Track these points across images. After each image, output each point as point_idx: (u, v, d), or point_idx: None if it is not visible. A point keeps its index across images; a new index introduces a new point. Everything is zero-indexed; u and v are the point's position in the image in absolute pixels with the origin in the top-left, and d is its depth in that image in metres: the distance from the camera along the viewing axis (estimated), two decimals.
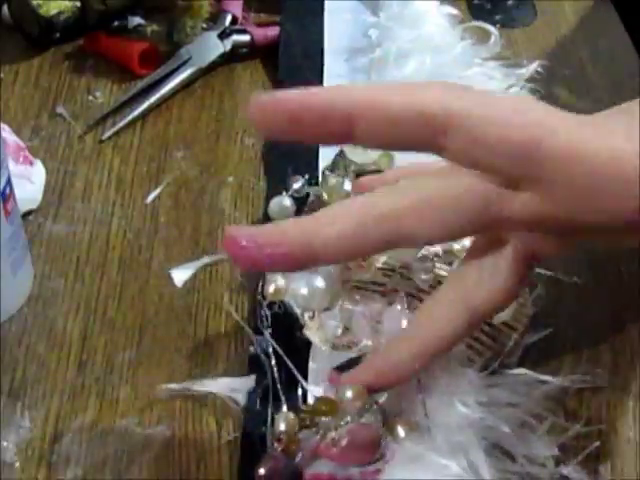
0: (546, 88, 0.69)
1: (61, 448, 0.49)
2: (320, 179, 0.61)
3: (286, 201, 0.60)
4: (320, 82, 0.70)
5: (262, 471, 0.46)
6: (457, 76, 0.68)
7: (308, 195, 0.61)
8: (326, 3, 0.77)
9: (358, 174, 0.60)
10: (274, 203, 0.60)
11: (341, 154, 0.61)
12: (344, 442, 0.46)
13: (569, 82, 0.70)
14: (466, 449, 0.47)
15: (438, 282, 0.53)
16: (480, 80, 0.68)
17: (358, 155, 0.60)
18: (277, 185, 0.62)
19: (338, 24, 0.75)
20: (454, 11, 0.73)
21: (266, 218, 0.60)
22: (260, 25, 0.76)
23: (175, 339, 0.55)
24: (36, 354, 0.54)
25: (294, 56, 0.72)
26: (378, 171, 0.59)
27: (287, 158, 0.64)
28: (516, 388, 0.50)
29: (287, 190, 0.61)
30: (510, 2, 0.77)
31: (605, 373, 0.52)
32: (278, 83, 0.71)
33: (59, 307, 0.56)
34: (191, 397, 0.51)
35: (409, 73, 0.68)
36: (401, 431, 0.47)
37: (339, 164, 0.61)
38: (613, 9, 0.78)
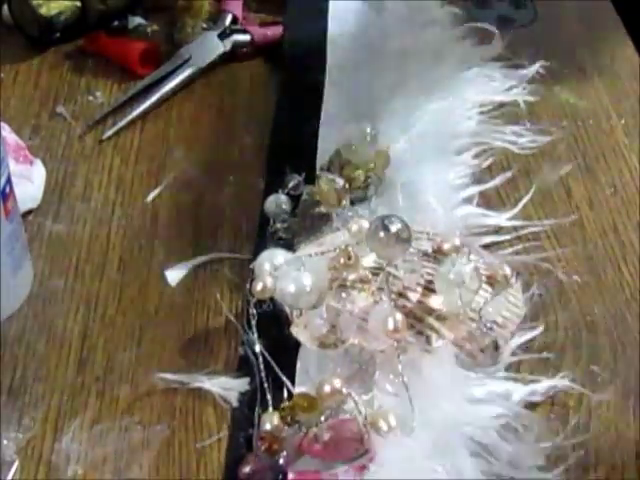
0: (546, 88, 0.69)
1: (61, 447, 0.49)
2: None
3: (282, 199, 0.60)
4: (322, 82, 0.70)
5: (245, 470, 0.46)
6: (457, 77, 0.68)
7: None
8: (330, 3, 0.76)
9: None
10: (270, 201, 0.60)
11: (337, 153, 0.61)
12: (326, 437, 0.47)
13: (569, 82, 0.70)
14: (452, 451, 0.47)
15: (426, 281, 0.53)
16: (480, 81, 0.68)
17: (354, 154, 0.60)
18: (274, 183, 0.62)
19: (342, 24, 0.75)
20: (457, 11, 0.73)
21: (262, 215, 0.60)
22: (260, 25, 0.76)
23: (175, 338, 0.55)
24: (36, 353, 0.54)
25: (297, 56, 0.72)
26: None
27: (286, 157, 0.64)
28: (504, 389, 0.50)
29: (283, 188, 0.61)
30: (510, 2, 0.77)
31: (605, 373, 0.52)
32: (281, 82, 0.71)
33: (59, 306, 0.56)
34: (191, 396, 0.51)
35: (410, 73, 0.68)
36: (384, 425, 0.47)
37: (335, 163, 0.61)
38: (613, 9, 0.78)
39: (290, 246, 0.57)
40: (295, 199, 0.60)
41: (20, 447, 0.49)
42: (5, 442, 0.49)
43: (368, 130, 0.60)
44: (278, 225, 0.59)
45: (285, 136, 0.66)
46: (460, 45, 0.71)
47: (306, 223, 0.59)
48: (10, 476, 0.48)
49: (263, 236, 0.59)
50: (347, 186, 0.59)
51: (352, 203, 0.60)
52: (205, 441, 0.49)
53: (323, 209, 0.59)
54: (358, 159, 0.60)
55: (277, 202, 0.60)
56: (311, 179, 0.61)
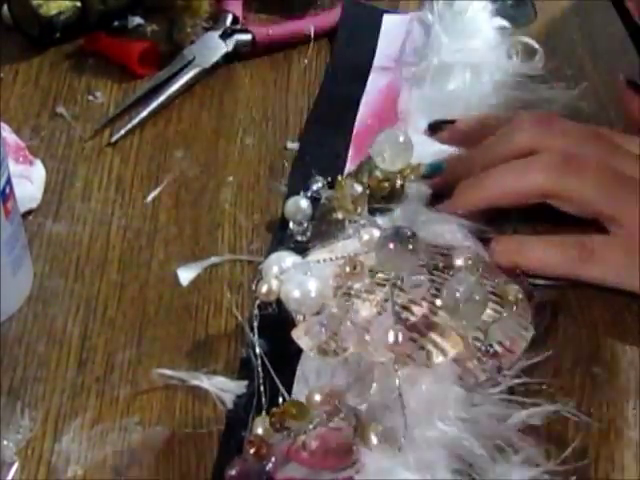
0: (548, 87, 0.69)
1: (61, 447, 0.49)
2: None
3: (302, 202, 0.60)
4: (361, 90, 0.70)
5: (231, 473, 0.46)
6: (496, 102, 0.68)
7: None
8: (385, 17, 0.77)
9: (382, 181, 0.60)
10: (290, 203, 0.60)
11: (368, 159, 0.61)
12: (314, 446, 0.46)
13: (569, 82, 0.70)
14: (433, 467, 0.46)
15: (432, 296, 0.52)
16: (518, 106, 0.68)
17: (384, 162, 0.60)
18: (297, 185, 0.62)
19: (392, 37, 0.75)
20: (505, 24, 0.72)
21: (282, 217, 0.60)
22: (261, 24, 0.76)
23: (175, 338, 0.55)
24: (36, 353, 0.54)
25: (342, 66, 0.73)
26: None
27: (315, 160, 0.64)
28: (500, 410, 0.49)
29: (306, 191, 0.61)
30: (510, 2, 0.77)
31: (605, 373, 0.52)
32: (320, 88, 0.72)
33: (59, 307, 0.56)
34: (191, 396, 0.51)
35: (447, 92, 0.68)
36: (374, 438, 0.47)
37: (364, 169, 0.61)
38: (613, 9, 0.78)
39: (306, 250, 0.56)
40: (317, 202, 0.60)
41: (20, 448, 0.49)
42: (5, 442, 0.49)
43: (401, 139, 0.60)
44: (296, 228, 0.59)
45: (316, 139, 0.67)
46: (501, 60, 0.70)
47: (322, 228, 0.59)
48: (10, 476, 0.48)
49: (282, 238, 0.59)
50: (368, 194, 0.59)
51: (374, 213, 0.59)
52: (206, 442, 0.49)
53: (340, 215, 0.59)
54: (388, 168, 0.60)
55: (297, 205, 0.60)
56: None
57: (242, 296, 0.57)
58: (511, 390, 0.50)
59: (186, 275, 0.58)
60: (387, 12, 0.77)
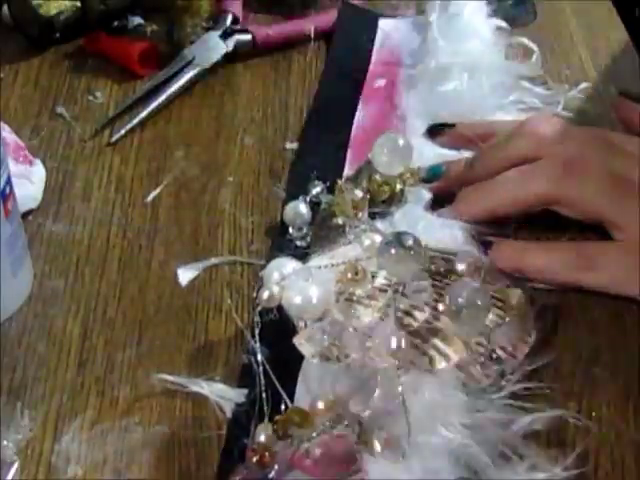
0: (546, 89, 0.69)
1: (61, 448, 0.49)
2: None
3: (301, 207, 0.59)
4: (358, 93, 0.70)
5: None
6: (495, 104, 0.68)
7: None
8: (380, 22, 0.77)
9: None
10: (289, 208, 0.60)
11: (367, 163, 0.61)
12: (317, 453, 0.46)
13: (569, 82, 0.70)
14: (438, 474, 0.46)
15: (434, 301, 0.52)
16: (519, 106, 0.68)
17: (383, 166, 0.60)
18: (297, 189, 0.62)
19: (385, 40, 0.75)
20: (502, 24, 0.72)
21: (282, 220, 0.60)
22: (261, 24, 0.76)
23: (175, 339, 0.55)
24: (36, 354, 0.54)
25: (339, 69, 0.73)
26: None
27: (314, 164, 0.64)
28: (504, 416, 0.49)
29: (306, 195, 0.61)
30: (510, 2, 0.77)
31: (605, 373, 0.52)
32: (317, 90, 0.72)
33: (59, 307, 0.56)
34: (191, 397, 0.51)
35: (445, 93, 0.68)
36: (377, 445, 0.46)
37: (364, 172, 0.61)
38: (613, 9, 0.78)
39: (306, 255, 0.56)
40: (317, 207, 0.60)
41: (20, 448, 0.49)
42: (5, 443, 0.49)
43: (400, 143, 0.59)
44: (295, 233, 0.59)
45: (314, 143, 0.66)
46: (499, 61, 0.70)
47: (322, 233, 0.59)
48: (10, 476, 0.48)
49: (281, 243, 0.59)
50: (368, 198, 0.59)
51: (374, 217, 0.59)
52: (205, 442, 0.49)
53: (340, 220, 0.59)
54: (388, 172, 0.60)
55: (296, 209, 0.59)
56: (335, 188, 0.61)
57: (241, 297, 0.57)
58: (513, 395, 0.50)
59: (186, 275, 0.58)
60: (383, 16, 0.77)
